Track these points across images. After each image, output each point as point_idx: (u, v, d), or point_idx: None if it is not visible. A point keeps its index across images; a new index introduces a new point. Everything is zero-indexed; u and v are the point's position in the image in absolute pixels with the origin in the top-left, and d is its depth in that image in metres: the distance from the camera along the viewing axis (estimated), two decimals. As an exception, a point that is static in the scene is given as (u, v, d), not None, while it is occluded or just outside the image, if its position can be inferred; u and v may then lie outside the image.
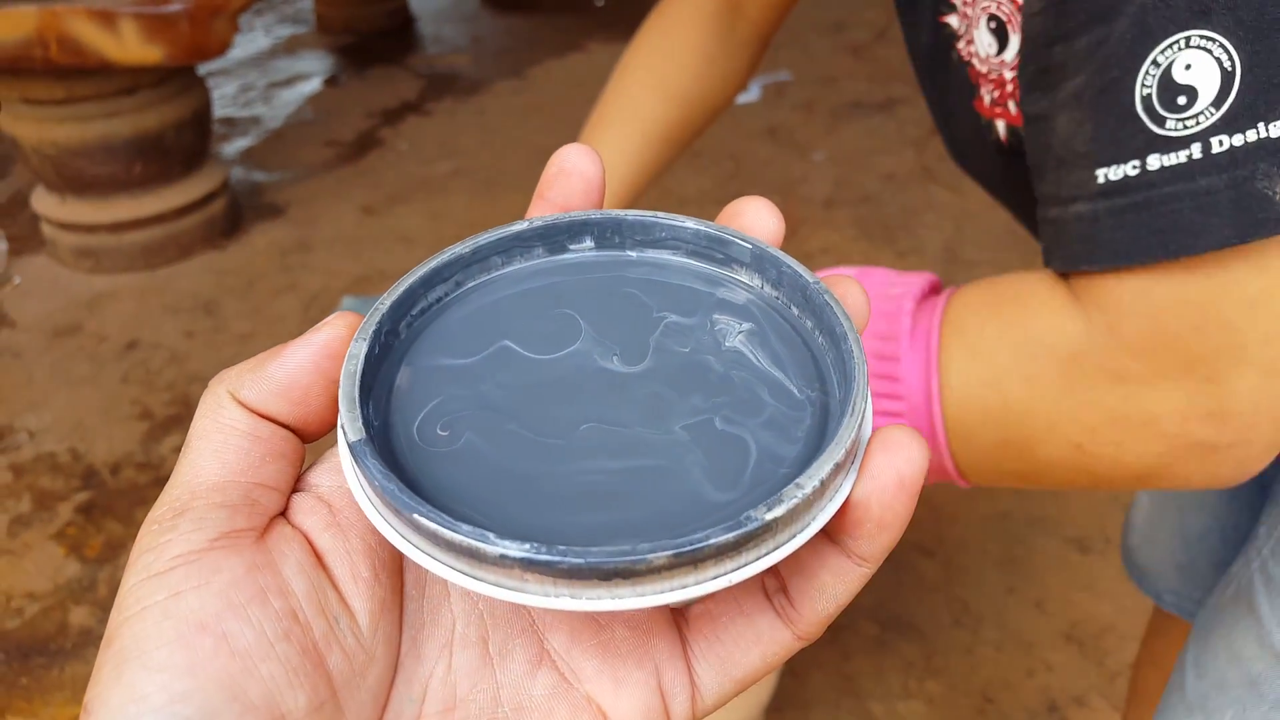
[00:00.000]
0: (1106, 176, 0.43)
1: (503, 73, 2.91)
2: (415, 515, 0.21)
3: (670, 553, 0.20)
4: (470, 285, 0.27)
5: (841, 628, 1.26)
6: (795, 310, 0.27)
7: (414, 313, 0.26)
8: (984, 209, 2.18)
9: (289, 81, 2.88)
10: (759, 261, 0.27)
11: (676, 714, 0.24)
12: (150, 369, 1.71)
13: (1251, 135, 0.39)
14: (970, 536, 1.39)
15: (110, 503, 1.44)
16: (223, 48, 1.77)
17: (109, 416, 1.60)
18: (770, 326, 0.26)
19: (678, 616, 0.25)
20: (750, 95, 2.73)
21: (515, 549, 0.20)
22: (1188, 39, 0.39)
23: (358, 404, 0.23)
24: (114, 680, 0.20)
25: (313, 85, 2.87)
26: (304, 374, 0.24)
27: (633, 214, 0.28)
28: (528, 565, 0.20)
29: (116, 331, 1.80)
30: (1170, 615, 0.89)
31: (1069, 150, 0.45)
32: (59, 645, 1.24)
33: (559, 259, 0.28)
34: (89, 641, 1.24)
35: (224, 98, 2.74)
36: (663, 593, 0.20)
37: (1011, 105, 0.53)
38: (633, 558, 0.20)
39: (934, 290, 0.56)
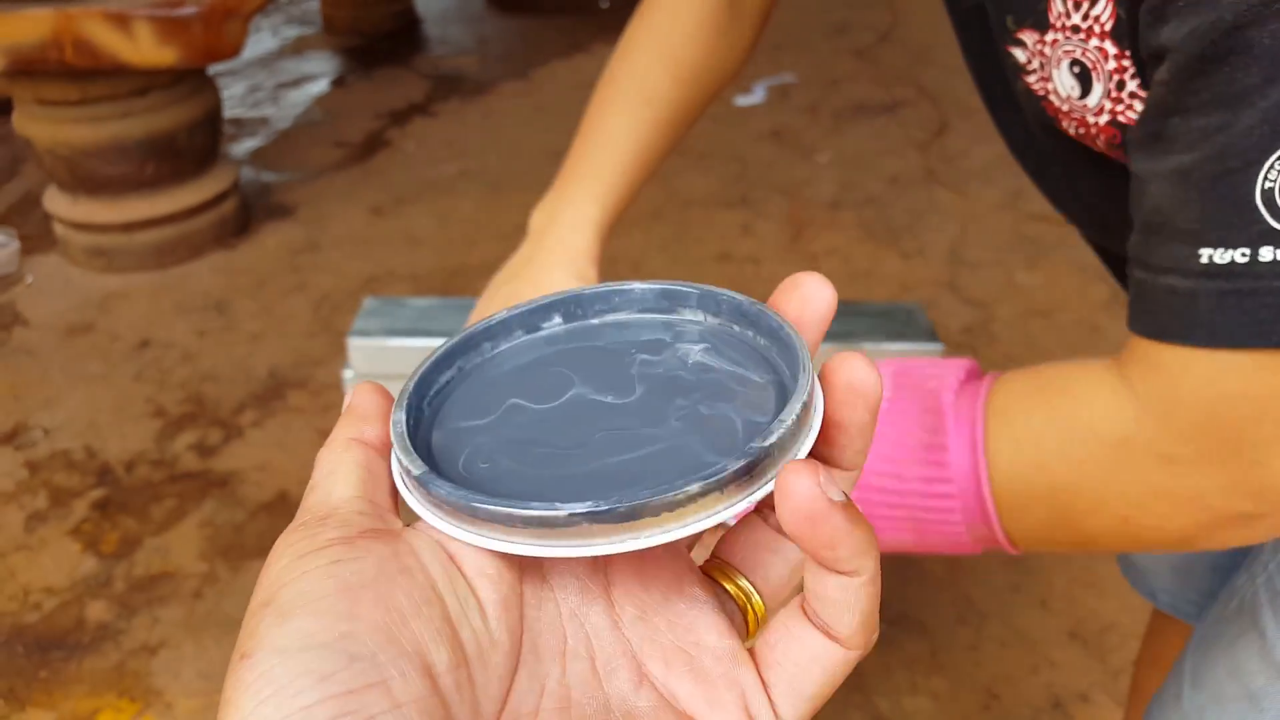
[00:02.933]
0: (1212, 258, 0.43)
1: (508, 74, 2.93)
2: (489, 507, 0.25)
3: (700, 482, 0.24)
4: (469, 367, 0.32)
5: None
6: (738, 327, 0.32)
7: (430, 394, 0.31)
8: (988, 211, 2.19)
9: (297, 82, 2.90)
10: (703, 300, 0.32)
11: None
12: (162, 367, 1.72)
13: None
14: (975, 535, 1.40)
15: (125, 499, 1.46)
16: (235, 50, 1.78)
17: (122, 414, 1.62)
18: (722, 342, 0.32)
19: (754, 653, 0.28)
20: (755, 97, 2.75)
21: (580, 506, 0.24)
22: None
23: (412, 451, 0.27)
24: (276, 627, 0.22)
25: (320, 86, 2.88)
26: (380, 408, 0.29)
27: (589, 289, 0.33)
28: (593, 518, 0.24)
29: (129, 330, 1.82)
30: (1168, 616, 0.90)
31: (1167, 223, 0.46)
32: (76, 639, 1.26)
33: (536, 336, 0.33)
34: (106, 636, 1.26)
35: (232, 98, 2.75)
36: (701, 519, 0.25)
37: (1099, 142, 0.53)
38: (672, 492, 0.24)
39: (972, 376, 0.57)
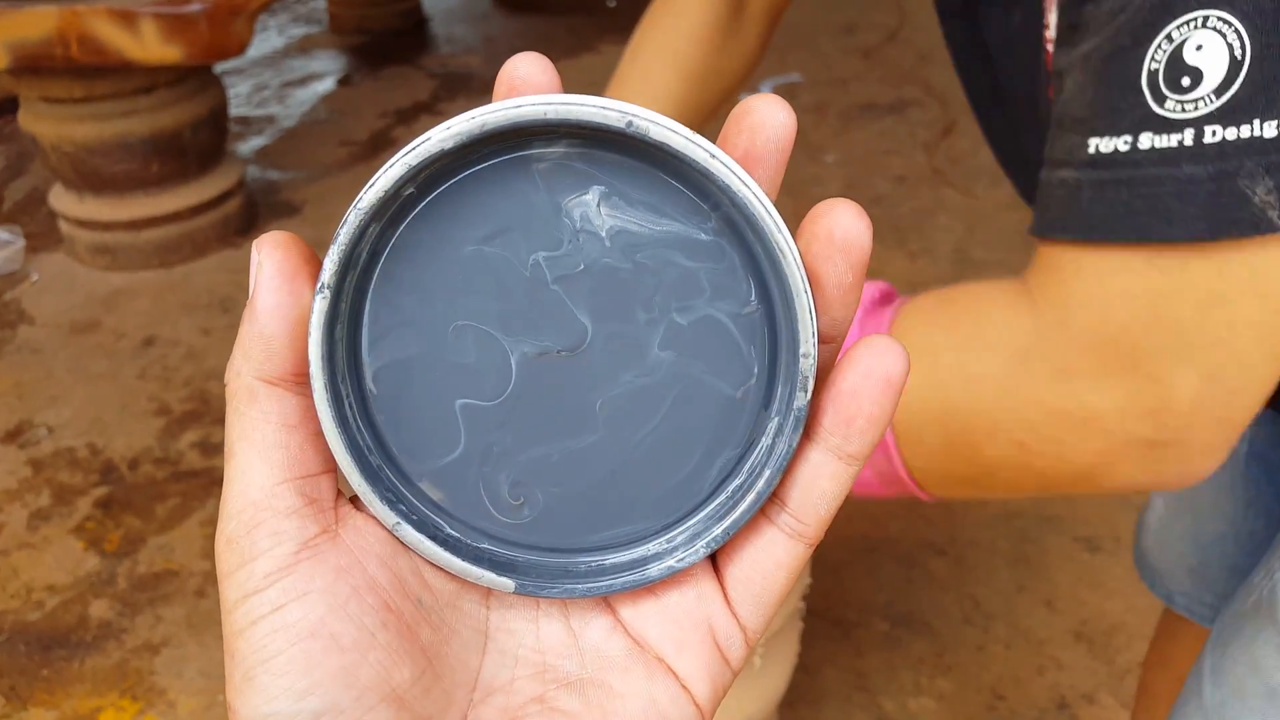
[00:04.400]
0: (1098, 147, 0.42)
1: (515, 73, 2.92)
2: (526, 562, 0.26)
3: (685, 550, 0.25)
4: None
5: (853, 625, 1.27)
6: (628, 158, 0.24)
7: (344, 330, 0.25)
8: (995, 210, 2.18)
9: (303, 81, 2.90)
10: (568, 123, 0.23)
11: (734, 659, 0.26)
12: (167, 365, 1.72)
13: (1245, 131, 0.38)
14: (981, 535, 1.40)
15: (128, 497, 1.46)
16: (241, 47, 1.78)
17: (127, 412, 1.62)
18: (613, 177, 0.23)
19: (715, 565, 0.27)
20: (761, 96, 2.74)
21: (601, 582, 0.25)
22: (1206, 18, 0.38)
23: (374, 498, 0.24)
24: (246, 685, 0.23)
25: (326, 85, 2.88)
26: (286, 316, 0.24)
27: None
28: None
29: (133, 328, 1.82)
30: (1181, 617, 0.89)
31: (1067, 113, 0.44)
32: (79, 638, 1.25)
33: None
34: (109, 634, 1.26)
35: (238, 97, 2.76)
36: (741, 515, 0.25)
37: None
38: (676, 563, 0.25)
39: (885, 300, 0.55)
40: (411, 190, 0.23)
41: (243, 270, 1.99)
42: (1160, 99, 0.39)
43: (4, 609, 1.29)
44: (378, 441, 0.25)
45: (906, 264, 2.01)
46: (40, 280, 1.97)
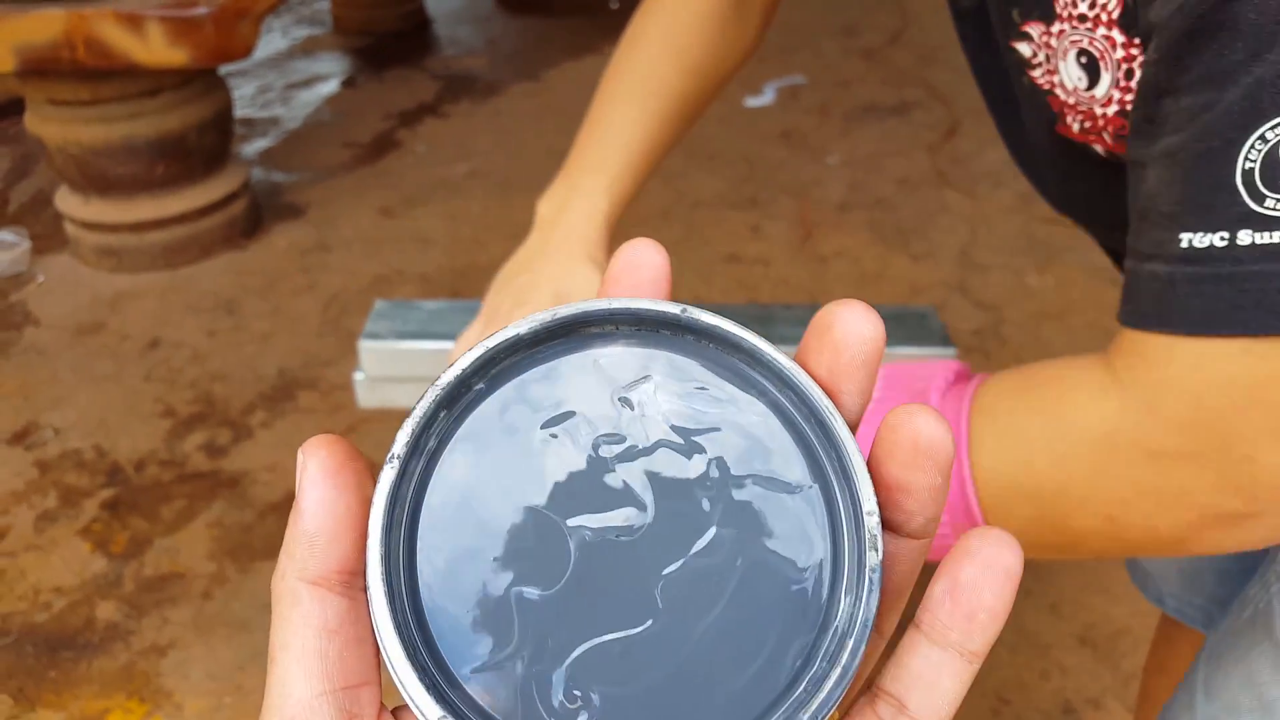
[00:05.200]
0: (1191, 242, 0.42)
1: (518, 75, 2.93)
2: None
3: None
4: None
5: (858, 628, 1.27)
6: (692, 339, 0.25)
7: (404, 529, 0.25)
8: (999, 213, 2.18)
9: (307, 83, 2.90)
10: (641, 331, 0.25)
11: None
12: (172, 367, 1.73)
13: None
14: (985, 539, 1.40)
15: (135, 499, 1.46)
16: (247, 50, 1.79)
17: (132, 414, 1.62)
18: (668, 366, 0.25)
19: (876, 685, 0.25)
20: (765, 99, 2.74)
21: None
22: None
23: (427, 696, 0.22)
24: None
25: (330, 87, 2.89)
26: (330, 511, 0.23)
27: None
28: None
29: (139, 330, 1.82)
30: (1177, 623, 0.89)
31: (1153, 207, 0.44)
32: (86, 639, 1.26)
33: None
34: (116, 636, 1.26)
35: (242, 99, 2.76)
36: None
37: (1106, 135, 0.52)
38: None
39: (961, 377, 0.56)
40: (479, 385, 0.24)
41: (248, 272, 1.99)
42: (1259, 198, 0.40)
43: (11, 610, 1.29)
44: (424, 637, 0.23)
45: (909, 266, 2.01)
46: (46, 282, 1.98)
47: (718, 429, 0.24)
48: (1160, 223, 0.44)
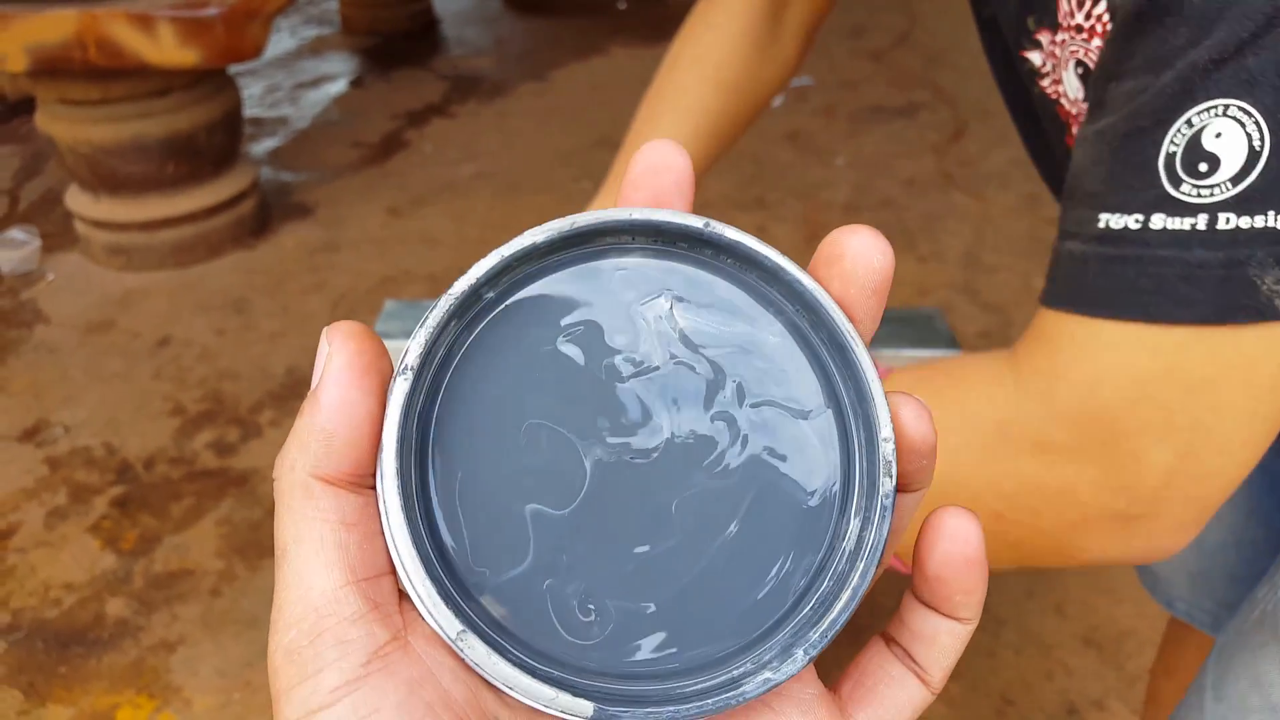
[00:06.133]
0: (1108, 223, 0.42)
1: (525, 75, 2.94)
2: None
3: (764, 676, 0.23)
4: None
5: (864, 629, 1.27)
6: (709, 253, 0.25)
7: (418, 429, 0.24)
8: (1005, 215, 2.19)
9: (315, 83, 2.91)
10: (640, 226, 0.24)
11: None
12: (182, 365, 1.73)
13: (1259, 221, 0.39)
14: (990, 540, 1.40)
15: (144, 496, 1.47)
16: (257, 50, 1.80)
17: (142, 412, 1.63)
18: (686, 281, 0.25)
19: (838, 698, 0.26)
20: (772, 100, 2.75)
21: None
22: (1227, 107, 0.39)
23: (444, 608, 0.22)
24: None
25: (338, 86, 2.90)
26: (352, 414, 0.22)
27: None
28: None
29: (148, 328, 1.83)
30: (1185, 625, 0.89)
31: (1079, 186, 0.44)
32: (96, 635, 1.27)
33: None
34: (125, 632, 1.27)
35: (251, 98, 2.77)
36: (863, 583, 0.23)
37: None
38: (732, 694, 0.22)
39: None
40: (491, 294, 0.24)
41: (257, 272, 2.00)
42: (1176, 182, 0.40)
43: (22, 606, 1.30)
44: (438, 550, 0.23)
45: (916, 267, 2.01)
46: (56, 280, 1.99)
47: (734, 348, 0.24)
48: (1084, 201, 0.43)
